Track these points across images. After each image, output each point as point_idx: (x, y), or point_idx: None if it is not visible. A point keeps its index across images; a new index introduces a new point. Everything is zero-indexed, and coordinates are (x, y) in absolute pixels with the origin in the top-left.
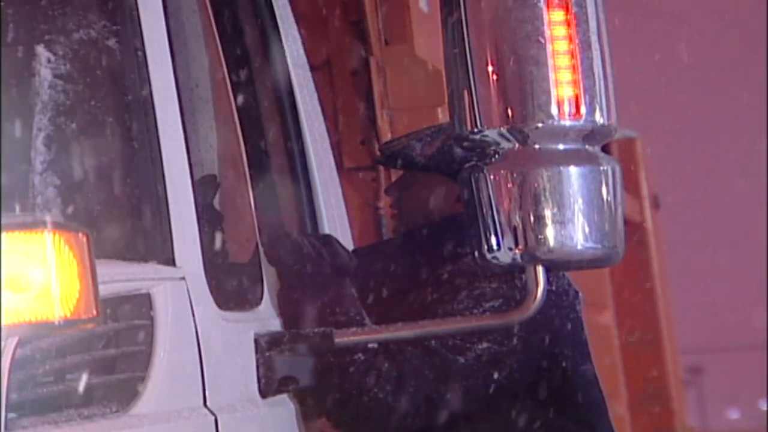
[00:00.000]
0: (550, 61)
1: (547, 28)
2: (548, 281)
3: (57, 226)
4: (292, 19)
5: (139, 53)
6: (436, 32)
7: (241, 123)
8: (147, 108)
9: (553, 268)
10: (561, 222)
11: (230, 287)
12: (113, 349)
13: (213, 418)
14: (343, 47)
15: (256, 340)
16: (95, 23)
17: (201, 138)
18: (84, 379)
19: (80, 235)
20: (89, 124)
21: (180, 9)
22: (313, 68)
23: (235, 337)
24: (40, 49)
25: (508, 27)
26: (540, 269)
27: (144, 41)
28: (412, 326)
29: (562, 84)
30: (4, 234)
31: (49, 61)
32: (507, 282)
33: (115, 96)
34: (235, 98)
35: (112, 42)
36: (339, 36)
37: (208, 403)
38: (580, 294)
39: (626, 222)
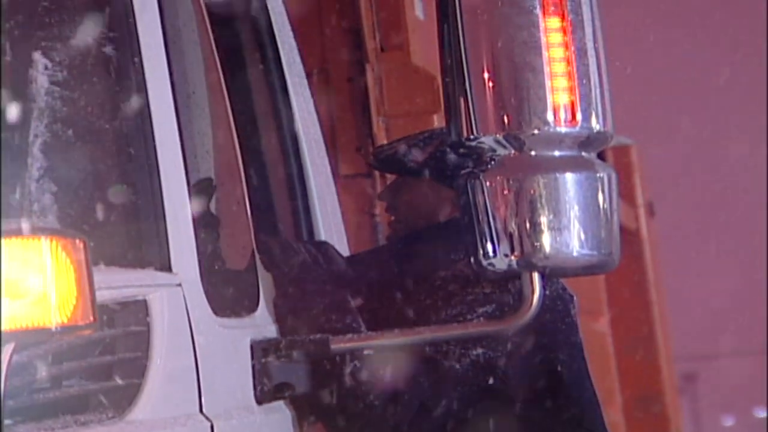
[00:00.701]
0: (546, 68)
1: (543, 35)
2: (543, 287)
3: (54, 232)
4: (288, 26)
5: (136, 60)
6: (432, 39)
7: (237, 130)
8: (144, 115)
9: (549, 274)
10: (557, 229)
11: (226, 293)
12: (110, 355)
13: (209, 424)
14: (339, 54)
15: (252, 347)
16: (92, 30)
17: (197, 144)
18: (80, 385)
19: (77, 241)
20: (86, 130)
21: (177, 16)
22: (309, 75)
23: (232, 344)
24: (38, 56)
25: (504, 34)
26: (536, 276)
27: (141, 48)
28: (408, 332)
29: (558, 91)
30: (1, 240)
31: (46, 68)
32: (500, 287)
33: (112, 103)
34: (231, 105)
35: (108, 49)
36: (335, 43)
37: (204, 410)
38: (575, 297)
39: (621, 229)
